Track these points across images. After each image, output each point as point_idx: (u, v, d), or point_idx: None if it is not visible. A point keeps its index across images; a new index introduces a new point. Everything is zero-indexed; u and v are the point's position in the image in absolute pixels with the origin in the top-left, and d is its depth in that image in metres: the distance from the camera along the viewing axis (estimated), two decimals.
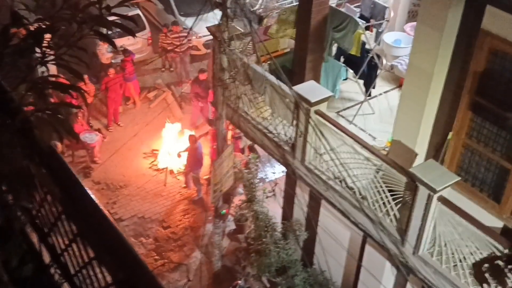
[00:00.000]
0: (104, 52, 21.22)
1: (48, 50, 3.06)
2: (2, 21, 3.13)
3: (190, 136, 17.93)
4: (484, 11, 9.97)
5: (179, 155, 18.36)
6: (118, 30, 3.49)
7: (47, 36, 3.09)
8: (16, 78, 2.97)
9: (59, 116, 2.84)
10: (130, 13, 21.66)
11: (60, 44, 3.10)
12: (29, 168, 2.90)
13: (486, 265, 4.05)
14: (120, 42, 21.48)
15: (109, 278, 2.81)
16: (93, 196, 2.89)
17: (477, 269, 9.07)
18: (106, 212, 2.78)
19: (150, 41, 23.26)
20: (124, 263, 2.59)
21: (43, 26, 3.12)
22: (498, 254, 9.13)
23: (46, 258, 3.47)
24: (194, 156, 17.82)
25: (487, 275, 3.84)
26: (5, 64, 2.95)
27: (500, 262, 3.71)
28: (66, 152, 19.00)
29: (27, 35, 3.05)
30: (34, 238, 3.50)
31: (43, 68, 3.25)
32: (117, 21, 3.45)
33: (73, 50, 3.18)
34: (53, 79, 3.17)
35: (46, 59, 3.05)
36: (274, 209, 14.97)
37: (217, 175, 13.50)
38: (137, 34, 21.60)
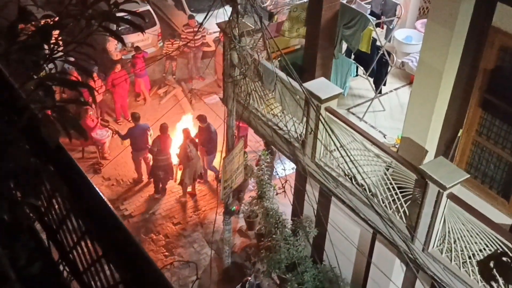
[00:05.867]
0: (113, 48, 21.26)
1: (56, 46, 3.05)
2: (10, 17, 3.13)
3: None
4: (495, 8, 9.94)
5: (114, 132, 18.23)
6: (128, 26, 3.48)
7: (55, 32, 3.09)
8: (24, 75, 2.96)
9: (67, 113, 2.84)
10: (140, 10, 21.81)
11: (68, 40, 3.09)
12: (37, 166, 2.90)
13: (492, 262, 4.02)
14: (130, 38, 21.55)
15: (118, 276, 2.81)
16: (101, 193, 2.89)
17: (484, 267, 9.06)
18: (113, 209, 2.78)
19: (160, 37, 23.28)
20: (132, 261, 2.59)
21: (51, 22, 3.11)
22: (505, 250, 9.10)
23: (55, 255, 3.47)
24: (131, 134, 17.91)
25: (494, 272, 3.81)
26: (12, 61, 2.94)
27: (506, 259, 3.68)
28: (77, 148, 19.04)
29: (35, 32, 3.04)
30: (43, 235, 3.50)
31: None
32: (126, 17, 3.44)
33: (82, 46, 3.17)
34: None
35: (54, 56, 3.04)
36: (284, 206, 14.96)
37: (227, 172, 13.46)
38: (147, 30, 21.75)
